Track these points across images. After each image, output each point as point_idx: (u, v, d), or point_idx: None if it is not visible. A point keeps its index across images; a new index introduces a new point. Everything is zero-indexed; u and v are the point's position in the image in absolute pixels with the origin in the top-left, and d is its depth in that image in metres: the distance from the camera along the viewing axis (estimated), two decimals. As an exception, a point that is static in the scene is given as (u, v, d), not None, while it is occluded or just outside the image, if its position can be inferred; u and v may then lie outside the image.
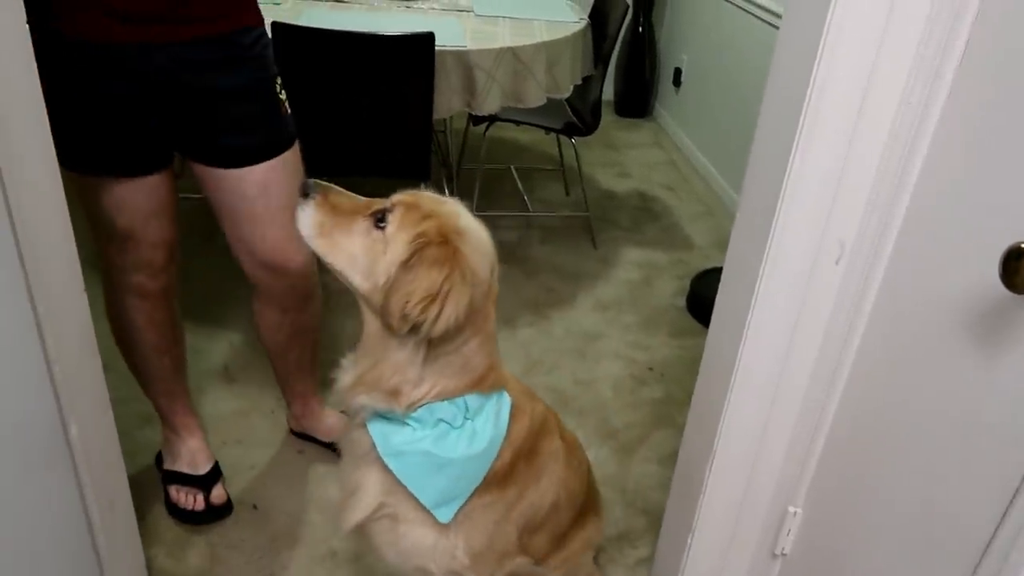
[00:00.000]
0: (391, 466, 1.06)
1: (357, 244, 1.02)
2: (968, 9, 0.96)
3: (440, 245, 0.98)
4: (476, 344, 1.05)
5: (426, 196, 1.05)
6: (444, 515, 1.08)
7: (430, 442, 1.05)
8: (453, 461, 1.05)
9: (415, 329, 0.98)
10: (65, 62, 1.28)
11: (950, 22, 0.98)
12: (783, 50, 1.12)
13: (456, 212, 1.04)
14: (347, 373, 1.09)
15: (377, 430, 1.06)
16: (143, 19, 1.28)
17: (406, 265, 0.97)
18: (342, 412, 1.92)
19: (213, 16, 1.34)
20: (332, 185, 1.08)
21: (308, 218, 1.05)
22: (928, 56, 1.00)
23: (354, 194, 1.09)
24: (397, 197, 1.04)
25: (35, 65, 1.01)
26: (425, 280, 0.96)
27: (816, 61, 1.03)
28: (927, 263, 1.05)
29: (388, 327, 1.00)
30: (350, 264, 1.03)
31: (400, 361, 1.02)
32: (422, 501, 1.07)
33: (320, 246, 1.05)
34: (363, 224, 1.03)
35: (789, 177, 1.11)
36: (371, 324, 1.05)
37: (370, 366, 1.05)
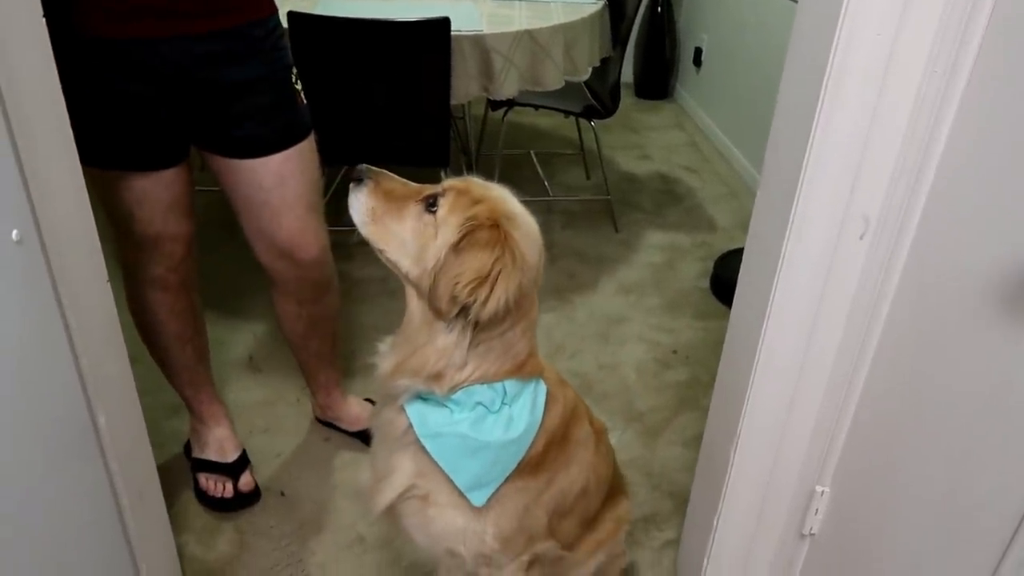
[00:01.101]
0: (428, 447, 1.07)
1: (408, 229, 1.03)
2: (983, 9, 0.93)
3: (491, 228, 0.98)
4: (520, 330, 1.05)
5: (476, 182, 1.05)
6: (478, 499, 1.09)
7: (467, 425, 1.05)
8: (489, 445, 1.06)
9: (464, 312, 0.98)
10: (78, 59, 1.29)
11: (968, 19, 0.95)
12: (803, 19, 1.10)
13: (505, 197, 1.04)
14: (387, 359, 1.09)
15: (415, 411, 1.07)
16: (151, 14, 1.28)
17: (456, 248, 0.98)
18: (366, 400, 1.94)
19: (224, 9, 1.34)
20: (384, 171, 1.09)
21: (360, 204, 1.06)
22: (954, 21, 0.98)
23: (406, 180, 1.09)
24: (448, 183, 1.04)
25: (53, 60, 1.02)
26: (475, 262, 0.96)
27: (837, 30, 1.00)
28: (954, 237, 1.03)
29: (436, 311, 1.00)
30: (400, 249, 1.04)
31: (446, 346, 1.02)
32: (457, 483, 1.07)
33: (371, 232, 1.05)
34: (414, 209, 1.03)
35: (811, 151, 1.08)
36: (416, 310, 1.05)
37: (412, 351, 1.05)
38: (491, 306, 0.96)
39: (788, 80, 1.15)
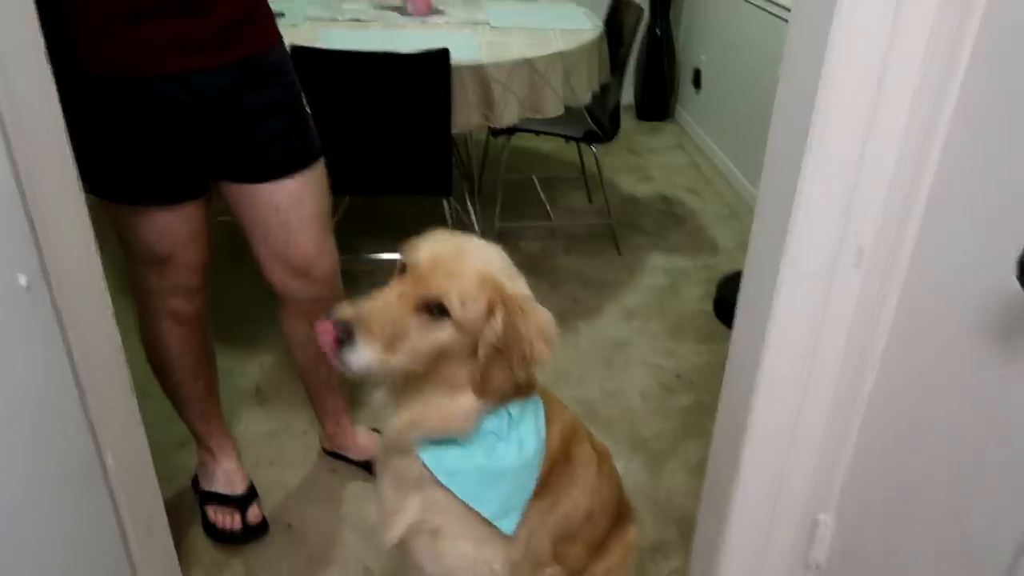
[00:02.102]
0: (448, 486, 1.08)
1: (429, 344, 1.00)
2: (973, 13, 0.95)
3: (510, 311, 1.00)
4: None
5: (437, 253, 1.01)
6: (507, 526, 1.10)
7: (482, 456, 1.07)
8: (506, 471, 1.07)
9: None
10: (102, 97, 1.32)
11: (957, 21, 0.97)
12: (792, 53, 1.12)
13: (484, 260, 1.03)
14: (397, 416, 1.08)
15: (430, 456, 1.08)
16: (177, 49, 1.32)
17: (498, 347, 1.00)
18: (374, 429, 1.94)
19: (241, 40, 1.38)
20: (355, 303, 0.99)
21: (364, 359, 0.96)
22: (941, 45, 0.99)
23: (372, 293, 1.00)
24: (410, 260, 1.00)
25: (58, 103, 1.03)
26: (516, 351, 1.01)
27: (825, 59, 1.02)
28: (946, 265, 1.04)
29: (484, 392, 1.03)
30: (428, 360, 1.01)
31: (472, 405, 1.04)
32: (484, 514, 1.09)
33: (394, 364, 0.99)
34: (419, 321, 0.99)
35: (803, 180, 1.10)
36: (436, 377, 1.05)
37: (428, 409, 1.05)
38: (531, 371, 1.03)
39: (779, 111, 1.16)
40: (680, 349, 2.45)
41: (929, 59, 1.01)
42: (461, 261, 1.01)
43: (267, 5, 1.46)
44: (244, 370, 2.29)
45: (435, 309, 0.98)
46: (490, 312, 0.99)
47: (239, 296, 2.49)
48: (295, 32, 2.53)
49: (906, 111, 1.05)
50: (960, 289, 1.00)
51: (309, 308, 1.66)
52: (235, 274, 2.40)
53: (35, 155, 0.98)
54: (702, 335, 2.52)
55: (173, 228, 1.46)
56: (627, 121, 4.23)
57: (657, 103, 4.51)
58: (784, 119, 1.16)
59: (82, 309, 1.09)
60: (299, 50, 2.13)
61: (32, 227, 0.99)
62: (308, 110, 1.53)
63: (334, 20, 2.75)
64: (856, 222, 1.13)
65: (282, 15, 2.72)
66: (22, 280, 0.97)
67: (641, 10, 2.89)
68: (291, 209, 1.51)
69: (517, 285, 1.03)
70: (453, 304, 0.98)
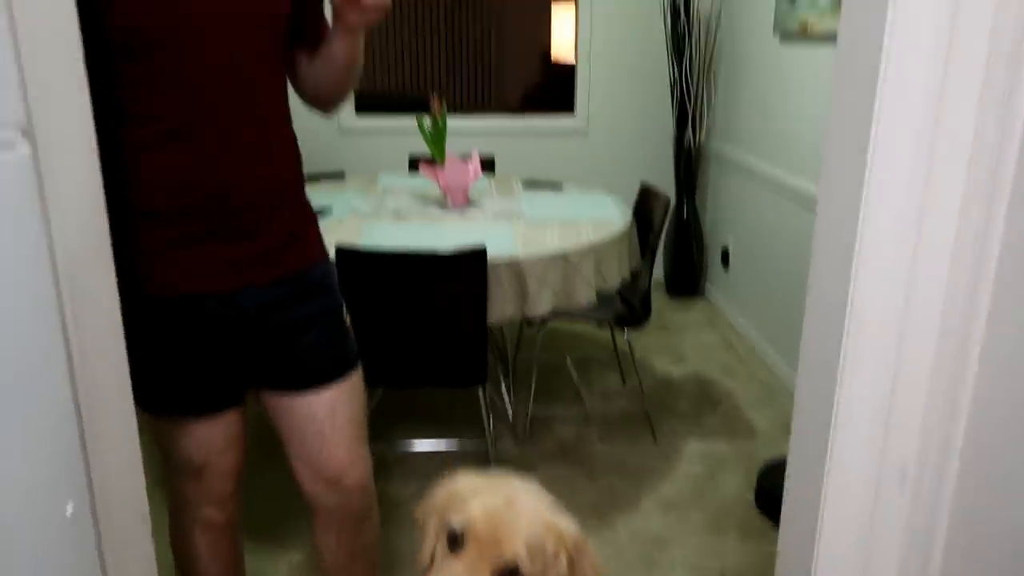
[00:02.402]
0: None
1: None
2: (994, 236, 0.99)
3: (571, 553, 1.01)
4: None
5: (498, 517, 1.00)
6: None
7: None
8: None
9: None
10: (153, 315, 1.38)
11: (982, 234, 1.00)
12: (817, 284, 1.16)
13: (535, 505, 1.03)
14: None
15: None
16: (233, 269, 1.39)
17: None
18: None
19: (290, 258, 1.45)
20: None
21: None
22: (964, 266, 1.02)
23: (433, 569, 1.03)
24: (465, 525, 0.99)
25: (120, 323, 1.09)
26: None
27: (849, 296, 1.06)
28: (993, 484, 1.02)
29: None
30: None
31: None
32: None
33: None
34: None
35: (838, 404, 1.10)
36: None
37: None
38: None
39: (808, 335, 1.19)
40: (723, 546, 2.35)
41: (956, 267, 1.03)
42: (517, 512, 1.00)
43: (314, 224, 1.54)
44: (275, 569, 2.23)
45: (507, 572, 0.97)
46: (555, 556, 0.99)
47: (271, 491, 2.47)
48: (339, 227, 2.67)
49: (937, 327, 1.07)
50: (1011, 508, 0.97)
51: (339, 518, 1.64)
52: (268, 470, 2.40)
53: (95, 382, 1.02)
54: (745, 529, 2.43)
55: (210, 437, 1.49)
56: (658, 298, 4.31)
57: (687, 280, 4.61)
58: (813, 343, 1.18)
59: (123, 535, 1.10)
60: (344, 251, 2.26)
61: (85, 454, 1.02)
62: (348, 320, 1.58)
63: (377, 215, 2.91)
64: (896, 443, 1.12)
65: (329, 211, 2.89)
66: (68, 509, 0.99)
67: (668, 199, 3.02)
68: (326, 419, 1.53)
69: (567, 522, 1.03)
70: (526, 564, 0.97)
